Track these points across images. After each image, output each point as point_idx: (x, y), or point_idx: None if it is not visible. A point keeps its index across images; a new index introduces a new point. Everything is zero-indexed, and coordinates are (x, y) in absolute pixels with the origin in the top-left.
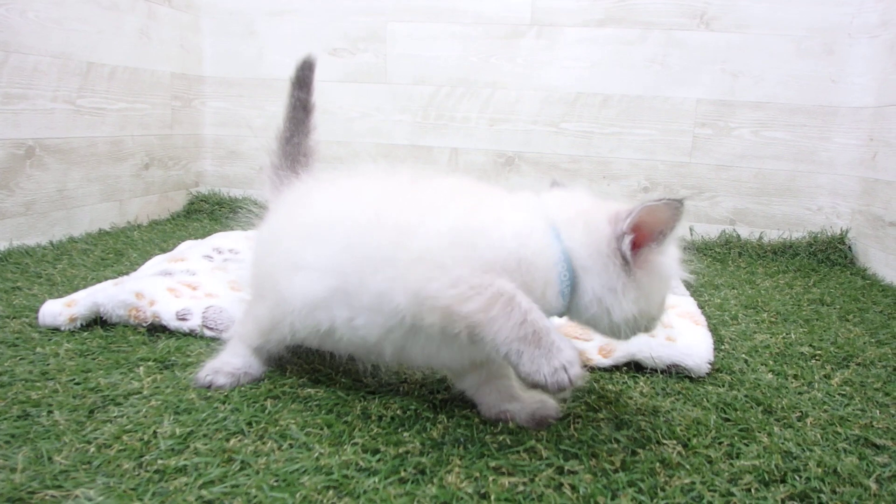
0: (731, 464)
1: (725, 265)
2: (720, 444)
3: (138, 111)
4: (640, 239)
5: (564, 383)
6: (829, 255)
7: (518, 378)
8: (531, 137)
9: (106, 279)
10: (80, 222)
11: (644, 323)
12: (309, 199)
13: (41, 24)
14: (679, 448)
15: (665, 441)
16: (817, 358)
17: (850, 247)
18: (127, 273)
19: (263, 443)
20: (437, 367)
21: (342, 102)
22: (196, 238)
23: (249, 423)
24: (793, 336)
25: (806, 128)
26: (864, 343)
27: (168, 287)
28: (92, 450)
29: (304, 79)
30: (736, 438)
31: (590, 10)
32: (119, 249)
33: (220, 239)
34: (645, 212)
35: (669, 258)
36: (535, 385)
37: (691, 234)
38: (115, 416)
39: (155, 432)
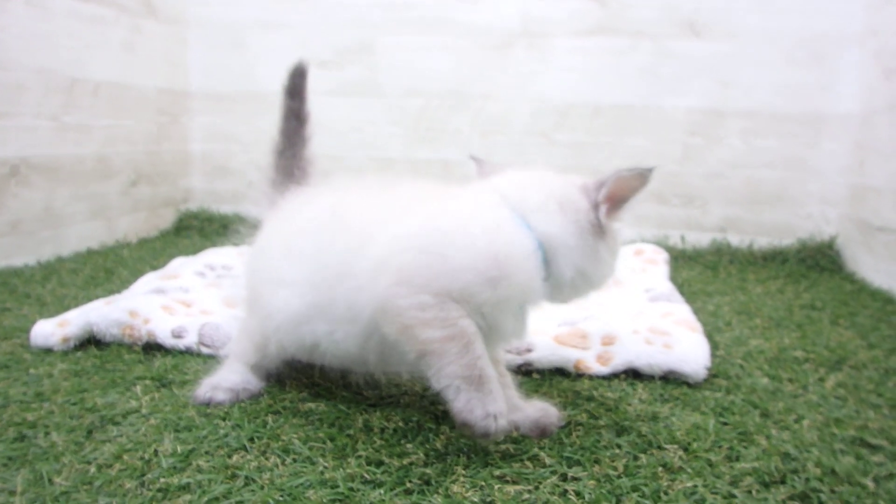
0: (732, 466)
1: (717, 273)
2: (720, 447)
3: (124, 127)
4: (609, 206)
5: (491, 430)
6: (818, 261)
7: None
8: (523, 149)
9: (97, 298)
10: (67, 241)
11: (609, 278)
12: (288, 213)
13: (25, 39)
14: (680, 452)
15: (666, 446)
16: (811, 362)
17: (838, 252)
18: (118, 291)
19: (267, 458)
20: (422, 373)
21: (333, 115)
22: (187, 255)
23: (251, 439)
24: (786, 341)
25: (795, 136)
26: (856, 346)
27: (162, 305)
28: (92, 470)
29: (296, 87)
30: (735, 442)
31: (580, 20)
32: (109, 268)
33: (212, 255)
34: (617, 181)
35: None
36: (463, 424)
37: (682, 243)
38: (114, 436)
39: (156, 451)
